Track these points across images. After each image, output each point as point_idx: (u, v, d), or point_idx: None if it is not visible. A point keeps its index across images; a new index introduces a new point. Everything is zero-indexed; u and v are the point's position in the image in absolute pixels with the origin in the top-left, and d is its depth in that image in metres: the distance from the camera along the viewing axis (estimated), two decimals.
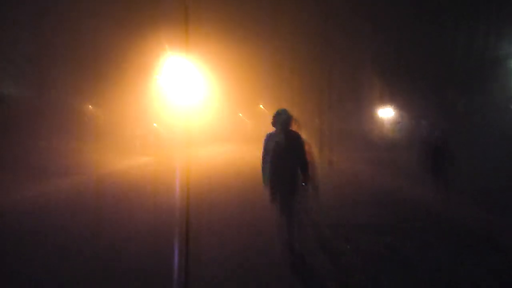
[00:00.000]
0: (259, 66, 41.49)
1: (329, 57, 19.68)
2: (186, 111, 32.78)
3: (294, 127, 5.25)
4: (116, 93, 26.89)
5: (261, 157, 4.97)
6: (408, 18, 18.91)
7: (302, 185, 4.92)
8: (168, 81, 27.98)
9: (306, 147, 5.13)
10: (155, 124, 37.38)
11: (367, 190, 9.76)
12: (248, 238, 5.65)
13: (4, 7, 18.72)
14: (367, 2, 19.96)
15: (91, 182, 10.79)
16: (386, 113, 26.54)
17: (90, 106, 29.94)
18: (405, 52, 19.61)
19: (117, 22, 24.23)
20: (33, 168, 11.75)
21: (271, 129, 4.98)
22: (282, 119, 4.83)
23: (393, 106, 26.36)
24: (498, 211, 7.00)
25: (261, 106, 62.24)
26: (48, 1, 20.29)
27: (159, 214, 6.92)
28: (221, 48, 32.47)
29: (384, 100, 28.36)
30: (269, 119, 5.01)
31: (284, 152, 4.76)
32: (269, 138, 4.90)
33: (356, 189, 9.98)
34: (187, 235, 5.30)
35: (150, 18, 23.65)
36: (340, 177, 12.16)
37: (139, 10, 23.74)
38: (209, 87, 37.70)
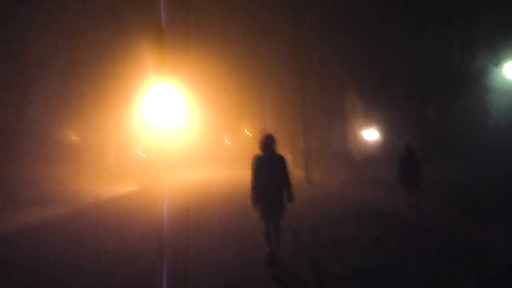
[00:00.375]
0: (241, 88, 41.94)
1: (310, 79, 20.06)
2: (169, 137, 32.75)
3: (278, 149, 5.66)
4: (98, 120, 26.72)
5: (250, 179, 5.43)
6: (388, 36, 19.54)
7: (287, 202, 5.44)
8: (150, 106, 28.00)
9: (287, 162, 5.57)
10: (139, 151, 37.09)
11: (346, 203, 10.44)
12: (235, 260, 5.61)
13: None
14: (345, 24, 20.52)
15: (74, 212, 10.55)
16: (366, 131, 27.20)
17: (72, 134, 29.62)
18: (384, 69, 20.16)
19: (96, 48, 24.27)
20: (14, 198, 11.43)
21: (256, 151, 5.48)
22: (268, 143, 5.40)
23: (371, 124, 26.96)
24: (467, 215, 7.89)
25: (246, 131, 62.60)
26: (29, 30, 20.25)
27: (144, 245, 6.79)
28: (201, 71, 32.80)
29: (363, 118, 28.95)
30: (253, 142, 5.20)
31: (270, 173, 5.34)
32: (257, 160, 5.41)
33: (333, 202, 10.30)
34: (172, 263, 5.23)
35: (128, 43, 23.79)
36: (321, 192, 12.50)
37: (116, 35, 23.86)
38: (192, 112, 37.84)
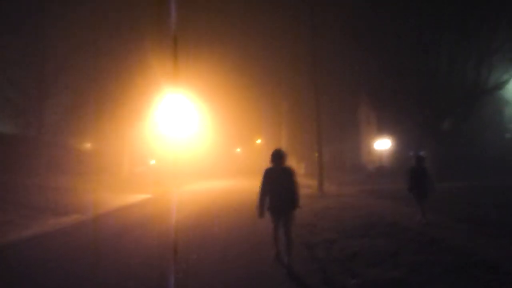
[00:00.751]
0: (256, 99, 42.12)
1: (327, 90, 20.00)
2: (182, 147, 32.96)
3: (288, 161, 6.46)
4: (113, 130, 27.08)
5: (260, 187, 6.09)
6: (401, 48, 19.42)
7: (295, 207, 6.06)
8: (163, 116, 28.27)
9: (294, 172, 6.27)
10: (153, 161, 37.40)
11: (360, 214, 10.26)
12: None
13: None
14: (361, 35, 20.49)
15: (89, 222, 10.64)
16: (380, 143, 27.00)
17: (87, 144, 30.05)
18: (399, 81, 19.96)
19: (110, 59, 24.72)
20: (31, 207, 11.60)
21: (267, 163, 6.27)
22: (278, 157, 6.11)
23: (386, 135, 26.77)
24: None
25: (258, 141, 62.74)
26: (47, 41, 20.78)
27: (155, 251, 6.80)
28: (215, 82, 33.03)
29: (377, 130, 28.72)
30: (265, 153, 5.80)
31: (280, 182, 6.03)
32: (269, 172, 6.14)
33: (348, 213, 10.16)
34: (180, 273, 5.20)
35: (141, 53, 24.14)
36: (335, 202, 12.39)
37: (129, 46, 24.25)
38: (205, 122, 38.08)
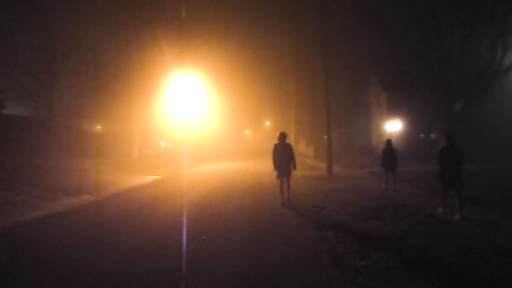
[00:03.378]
0: (265, 81, 41.77)
1: (337, 71, 19.69)
2: (193, 129, 33.01)
3: (287, 139, 10.12)
4: (124, 113, 27.19)
5: (272, 156, 9.91)
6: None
7: (292, 168, 9.84)
8: (173, 98, 28.25)
9: (293, 150, 9.99)
10: (163, 143, 37.61)
11: (369, 196, 9.88)
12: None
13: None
14: (370, 17, 20.02)
15: (100, 202, 10.79)
16: (390, 125, 26.83)
17: (99, 126, 30.25)
18: (411, 63, 19.55)
19: (120, 41, 24.65)
20: (43, 188, 11.78)
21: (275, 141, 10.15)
22: (282, 137, 9.89)
23: (396, 117, 26.56)
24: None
25: (267, 123, 62.54)
26: (61, 23, 20.74)
27: (167, 234, 6.87)
28: (224, 64, 32.79)
29: (387, 112, 28.40)
30: (274, 135, 8.21)
31: (282, 153, 9.74)
32: (276, 146, 9.92)
33: (356, 194, 10.03)
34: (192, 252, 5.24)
35: (150, 35, 23.98)
36: (344, 184, 12.29)
37: (147, 29, 24.08)
38: (214, 104, 37.98)
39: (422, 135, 26.74)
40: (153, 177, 16.73)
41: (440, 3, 17.93)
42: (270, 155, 9.94)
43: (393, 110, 27.78)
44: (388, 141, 11.93)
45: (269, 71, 40.45)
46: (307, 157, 31.42)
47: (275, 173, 9.80)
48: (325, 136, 19.17)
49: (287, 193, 9.78)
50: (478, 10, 17.71)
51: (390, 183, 11.54)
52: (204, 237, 6.50)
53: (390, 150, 11.59)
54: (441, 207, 7.83)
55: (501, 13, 17.57)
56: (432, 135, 24.87)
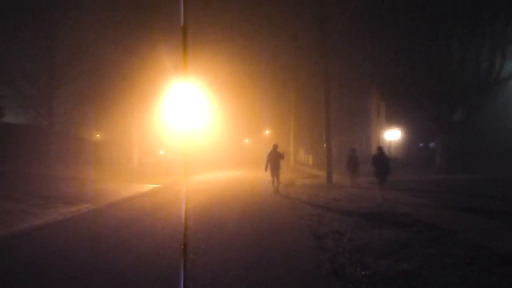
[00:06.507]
0: (264, 91, 41.86)
1: (336, 80, 19.71)
2: (192, 138, 33.01)
3: (278, 149, 14.58)
4: (123, 121, 27.20)
5: (266, 159, 14.48)
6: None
7: (280, 167, 14.56)
8: (172, 107, 28.30)
9: (283, 154, 14.74)
10: (162, 152, 37.59)
11: (369, 204, 9.84)
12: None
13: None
14: (369, 26, 20.15)
15: (99, 211, 10.73)
16: (389, 134, 26.81)
17: (98, 135, 30.26)
18: (409, 73, 19.62)
19: (120, 50, 24.74)
20: (41, 196, 11.73)
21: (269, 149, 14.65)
22: (274, 146, 14.55)
23: (395, 127, 26.53)
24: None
25: (266, 132, 62.61)
26: (61, 32, 20.85)
27: (164, 239, 6.82)
28: (223, 74, 32.87)
29: (386, 121, 28.42)
30: (269, 143, 16.56)
31: (275, 158, 14.36)
32: (270, 153, 14.48)
33: (357, 203, 9.98)
34: (188, 258, 5.20)
35: (150, 43, 24.08)
36: (343, 193, 12.21)
37: (147, 37, 24.20)
38: (214, 113, 38.03)
39: (421, 144, 26.72)
40: (152, 186, 16.67)
41: (439, 13, 18.07)
42: (263, 164, 14.73)
43: (392, 119, 27.80)
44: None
45: (269, 80, 40.59)
46: (307, 165, 31.38)
47: (268, 172, 14.34)
48: (325, 145, 19.18)
49: (277, 185, 14.29)
50: (477, 20, 17.85)
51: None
52: (203, 246, 6.44)
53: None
54: (380, 196, 11.21)
55: (499, 23, 17.71)
56: (432, 144, 24.86)
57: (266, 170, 14.29)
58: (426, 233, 6.97)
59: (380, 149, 11.96)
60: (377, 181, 11.69)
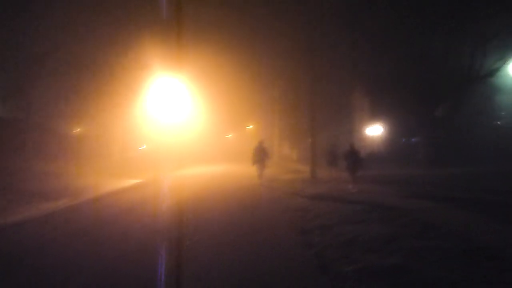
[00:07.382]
0: (247, 84, 41.59)
1: (319, 78, 19.64)
2: (173, 132, 32.59)
3: (263, 145, 15.56)
4: (104, 115, 26.63)
5: (252, 155, 15.25)
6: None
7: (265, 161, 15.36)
8: (154, 102, 27.83)
9: (267, 149, 15.73)
10: (144, 146, 37.04)
11: (354, 199, 9.87)
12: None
13: None
14: (354, 23, 20.20)
15: (79, 206, 10.44)
16: (372, 129, 27.20)
17: (78, 129, 29.53)
18: (393, 69, 19.79)
19: (105, 41, 24.15)
20: (19, 192, 11.34)
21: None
22: (259, 141, 15.63)
23: (378, 122, 26.84)
24: None
25: (249, 126, 62.39)
26: (40, 22, 20.18)
27: (144, 235, 6.65)
28: (206, 67, 32.45)
29: (370, 117, 28.67)
30: (256, 138, 18.03)
31: (259, 152, 15.14)
32: (255, 148, 15.23)
33: (342, 198, 10.02)
34: (178, 253, 5.07)
35: (131, 37, 23.59)
36: (328, 188, 12.25)
37: (128, 29, 23.67)
38: (196, 108, 37.61)
39: (404, 139, 27.07)
40: (134, 181, 16.38)
41: (422, 8, 18.22)
42: (246, 159, 16.17)
43: (375, 114, 28.02)
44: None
45: (253, 74, 40.31)
46: (291, 160, 31.42)
47: (254, 166, 15.16)
48: (309, 140, 19.19)
49: (262, 180, 15.13)
50: (459, 17, 18.08)
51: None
52: (188, 242, 6.30)
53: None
54: (352, 185, 12.32)
55: (481, 20, 17.97)
56: (414, 140, 25.19)
57: (253, 164, 15.12)
58: (412, 227, 7.00)
59: (351, 145, 12.96)
60: (349, 174, 12.72)
